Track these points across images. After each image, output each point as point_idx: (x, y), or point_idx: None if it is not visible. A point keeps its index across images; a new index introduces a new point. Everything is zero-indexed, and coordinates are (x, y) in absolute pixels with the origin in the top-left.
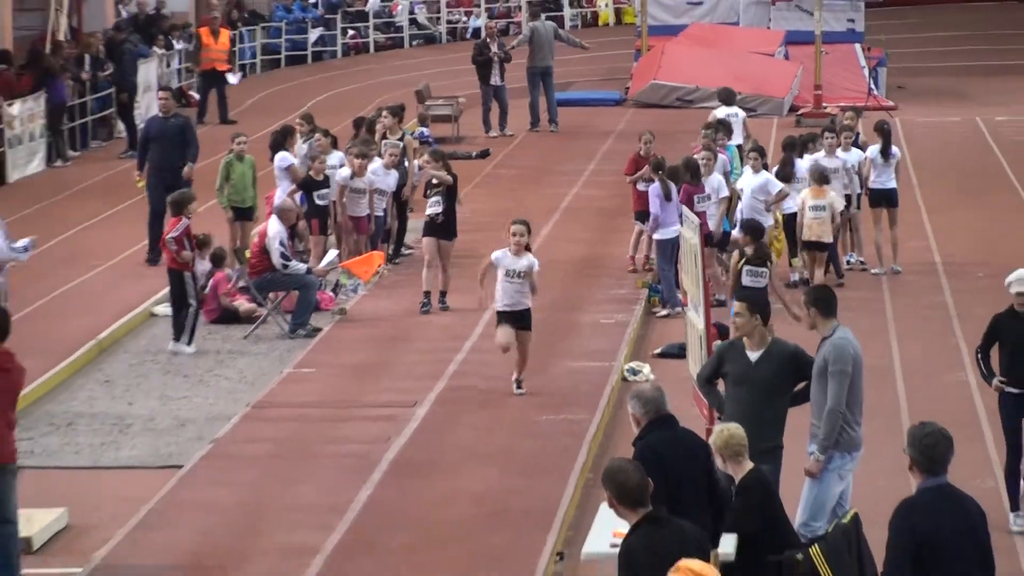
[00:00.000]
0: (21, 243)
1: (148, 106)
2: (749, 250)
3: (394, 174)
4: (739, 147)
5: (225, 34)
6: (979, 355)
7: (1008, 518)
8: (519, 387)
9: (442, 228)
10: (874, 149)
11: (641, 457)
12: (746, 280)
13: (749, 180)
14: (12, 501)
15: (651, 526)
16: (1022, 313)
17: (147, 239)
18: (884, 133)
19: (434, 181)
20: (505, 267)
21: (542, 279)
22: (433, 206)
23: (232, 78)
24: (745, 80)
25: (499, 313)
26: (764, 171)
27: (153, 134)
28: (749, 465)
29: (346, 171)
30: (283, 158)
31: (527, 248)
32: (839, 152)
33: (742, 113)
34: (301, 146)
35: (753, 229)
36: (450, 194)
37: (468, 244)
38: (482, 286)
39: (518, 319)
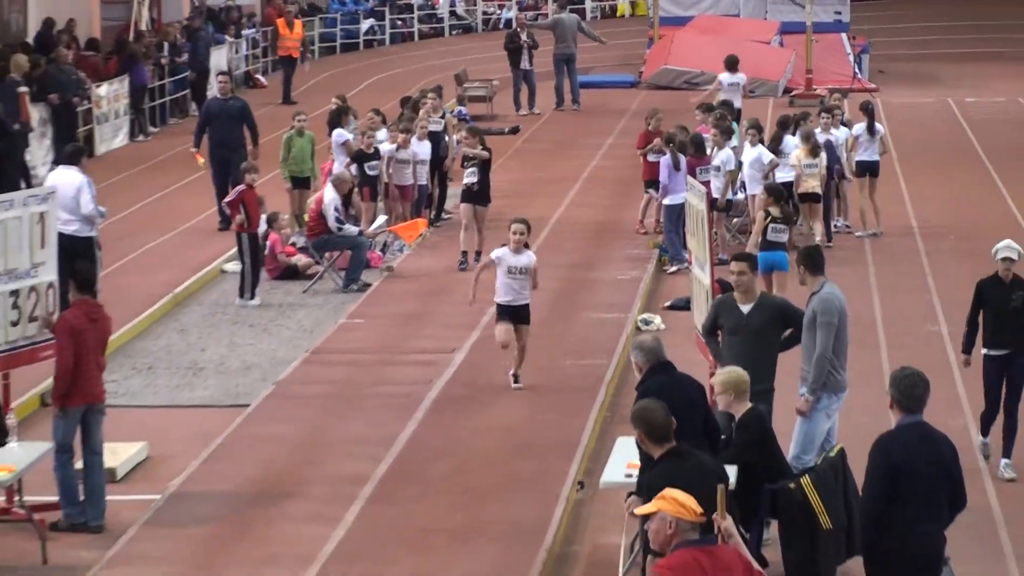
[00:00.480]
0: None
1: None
2: (774, 210)
3: (426, 143)
4: (737, 118)
5: (299, 25)
6: (967, 323)
7: (978, 457)
8: (516, 381)
9: (477, 195)
10: (860, 126)
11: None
12: (771, 236)
13: (748, 153)
14: (99, 436)
15: (674, 459)
16: (1005, 279)
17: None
18: (869, 112)
19: (470, 154)
20: (506, 264)
21: (565, 241)
22: (469, 176)
23: (304, 65)
24: (744, 65)
25: (499, 307)
26: (760, 145)
27: (213, 114)
28: (748, 405)
29: (392, 145)
30: (339, 134)
31: (526, 245)
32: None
33: (744, 78)
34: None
35: (776, 191)
36: (484, 166)
37: (500, 209)
38: (475, 283)
39: (517, 314)
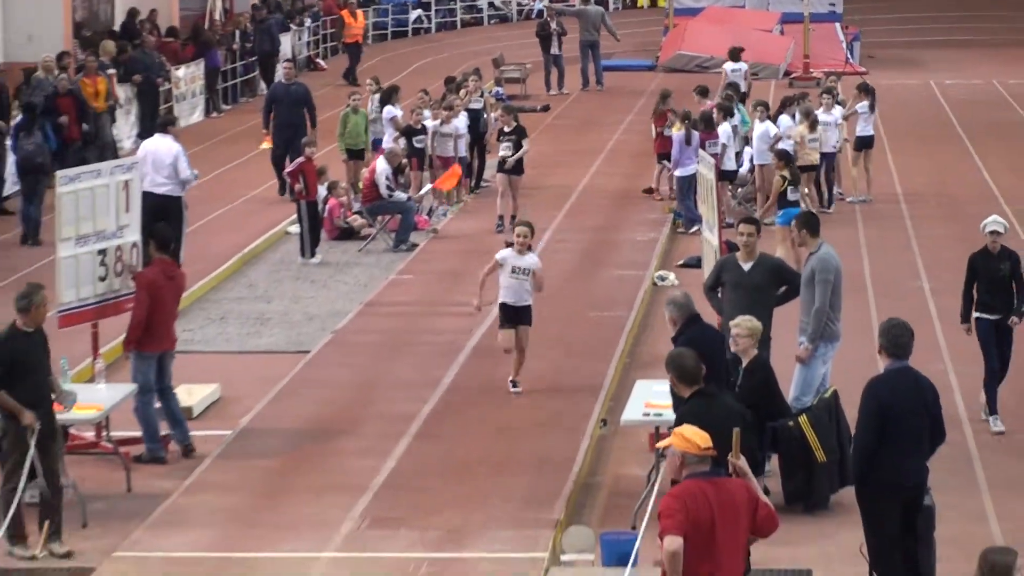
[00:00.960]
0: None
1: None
2: (786, 173)
3: (463, 116)
4: (744, 99)
5: (361, 15)
6: (963, 295)
7: (956, 399)
8: (515, 387)
9: (512, 167)
10: (863, 104)
11: (699, 349)
12: (789, 196)
13: (756, 128)
14: (170, 372)
15: (702, 400)
16: (993, 251)
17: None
18: (871, 92)
19: (505, 129)
20: (510, 264)
21: (589, 206)
22: (505, 149)
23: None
24: (749, 51)
25: (501, 307)
26: (768, 121)
27: (278, 97)
28: (755, 352)
29: (436, 121)
30: (389, 111)
31: (529, 248)
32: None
33: (745, 66)
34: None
35: (784, 154)
36: (518, 139)
37: (533, 179)
38: (481, 289)
39: (519, 315)
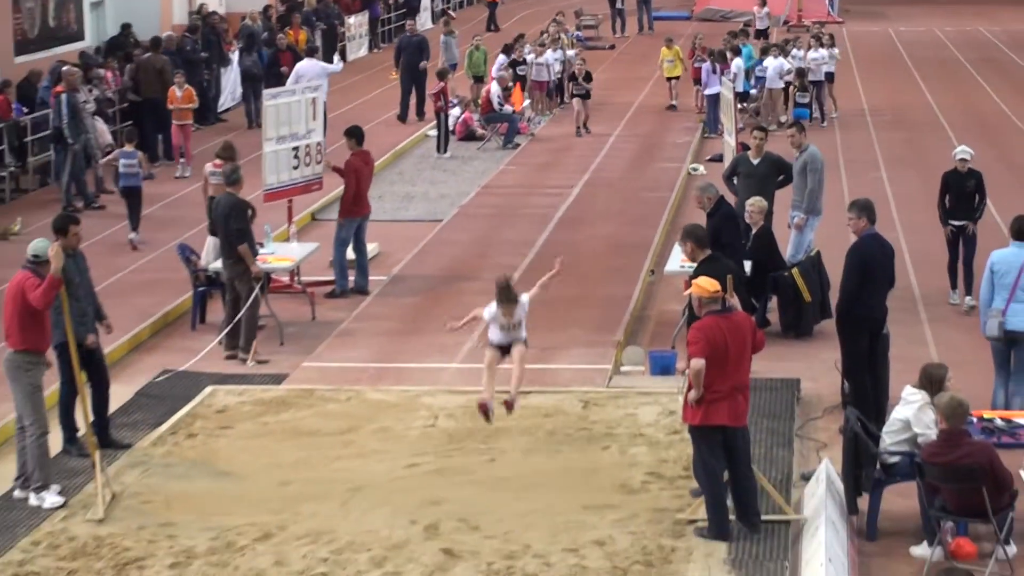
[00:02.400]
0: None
1: (425, 21)
2: (797, 83)
3: (550, 52)
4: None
5: None
6: (938, 205)
7: (905, 257)
8: (510, 410)
9: (583, 93)
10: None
11: (727, 221)
12: (797, 99)
13: (771, 62)
14: (365, 231)
15: (710, 262)
16: (961, 171)
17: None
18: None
19: (578, 75)
20: (499, 322)
21: (642, 118)
22: (577, 90)
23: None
24: (760, 4)
25: (491, 344)
26: (781, 56)
27: (403, 45)
28: (762, 223)
29: (533, 55)
30: (501, 60)
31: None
32: (817, 51)
33: (769, 11)
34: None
35: (801, 72)
36: (587, 72)
37: (599, 97)
38: (462, 325)
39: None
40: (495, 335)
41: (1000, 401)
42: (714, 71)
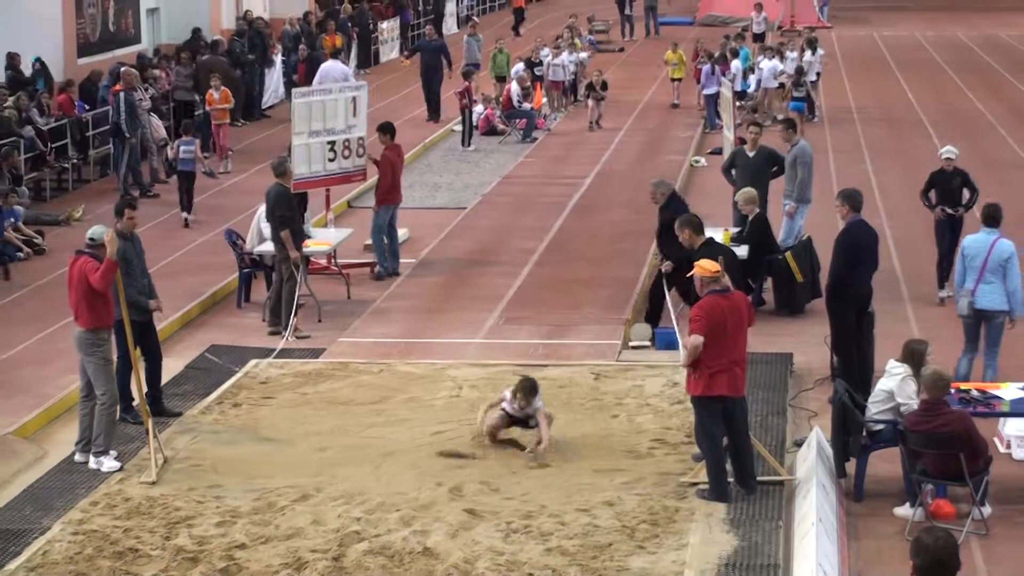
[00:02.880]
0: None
1: (451, 27)
2: (790, 83)
3: (566, 54)
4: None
5: None
6: (921, 195)
7: (889, 243)
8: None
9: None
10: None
11: (677, 214)
12: (794, 94)
13: (766, 64)
14: (396, 219)
15: (709, 247)
16: (947, 170)
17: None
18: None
19: (595, 84)
20: (513, 405)
21: (649, 114)
22: (593, 99)
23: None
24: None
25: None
26: (776, 58)
27: (422, 47)
28: (757, 210)
29: (550, 56)
30: (518, 63)
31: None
32: (809, 54)
33: (766, 15)
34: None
35: (799, 70)
36: (604, 82)
37: (611, 95)
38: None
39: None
40: (508, 407)
41: (963, 371)
42: (712, 73)
